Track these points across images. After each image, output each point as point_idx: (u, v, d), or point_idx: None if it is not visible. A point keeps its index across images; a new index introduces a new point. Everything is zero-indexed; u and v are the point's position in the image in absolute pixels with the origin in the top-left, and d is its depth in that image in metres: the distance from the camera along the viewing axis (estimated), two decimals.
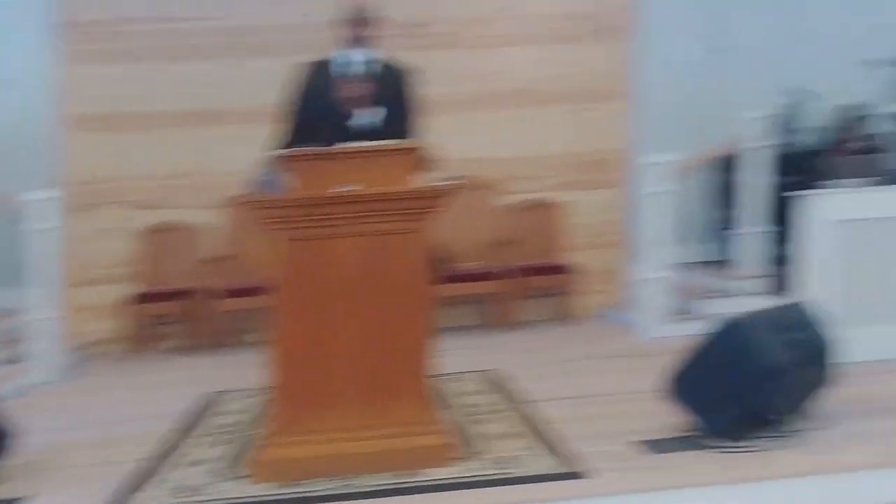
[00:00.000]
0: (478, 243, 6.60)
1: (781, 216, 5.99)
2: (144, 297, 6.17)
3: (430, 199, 3.18)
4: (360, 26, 3.69)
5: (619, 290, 6.78)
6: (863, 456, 3.04)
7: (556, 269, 6.46)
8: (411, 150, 3.29)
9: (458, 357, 5.26)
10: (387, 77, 3.77)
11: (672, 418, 3.42)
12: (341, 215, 3.15)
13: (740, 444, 3.18)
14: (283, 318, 3.18)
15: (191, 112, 6.49)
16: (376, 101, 3.67)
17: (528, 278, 6.31)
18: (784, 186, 6.08)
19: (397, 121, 3.73)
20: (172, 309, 6.19)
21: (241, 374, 5.19)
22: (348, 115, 3.64)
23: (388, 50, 3.92)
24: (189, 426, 4.07)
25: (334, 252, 3.18)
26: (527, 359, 5.23)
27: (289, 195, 3.21)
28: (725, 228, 6.64)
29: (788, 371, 3.24)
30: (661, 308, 5.66)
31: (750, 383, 3.19)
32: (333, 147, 3.35)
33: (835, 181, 4.65)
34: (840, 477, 2.96)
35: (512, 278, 6.25)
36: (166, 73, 6.46)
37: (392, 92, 3.76)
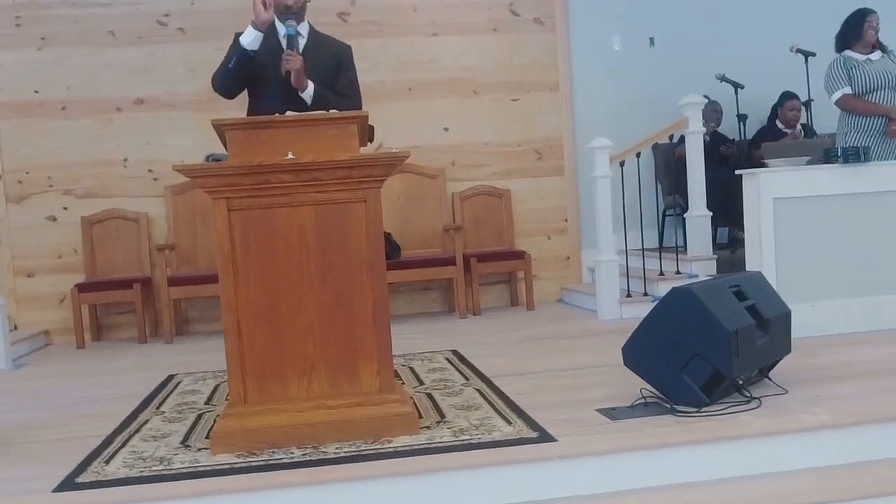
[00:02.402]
0: (428, 230, 6.61)
1: (725, 199, 6.12)
2: (90, 287, 6.03)
3: (372, 168, 3.14)
4: None
5: (572, 275, 6.86)
6: (821, 417, 3.09)
7: (511, 256, 6.48)
8: (353, 119, 3.23)
9: (423, 339, 5.33)
10: (323, 50, 3.78)
11: (634, 387, 3.44)
12: (282, 184, 3.09)
13: (702, 409, 3.21)
14: (235, 290, 3.11)
15: (124, 99, 6.38)
16: (311, 73, 3.69)
17: (482, 264, 6.32)
18: (724, 170, 6.22)
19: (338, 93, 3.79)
20: (120, 298, 6.05)
21: (197, 359, 5.14)
22: (300, 87, 3.64)
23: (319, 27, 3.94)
24: (149, 405, 3.99)
25: (278, 222, 3.12)
26: (488, 339, 5.28)
27: (225, 164, 3.13)
28: (672, 214, 6.75)
29: (745, 336, 3.28)
30: (616, 291, 5.71)
31: (707, 349, 3.22)
32: (273, 116, 3.30)
33: (775, 161, 4.73)
34: (800, 437, 3.01)
35: (467, 264, 6.25)
36: (98, 59, 6.35)
37: (330, 64, 3.76)
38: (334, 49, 3.86)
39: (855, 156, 4.60)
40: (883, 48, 5.25)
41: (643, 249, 5.80)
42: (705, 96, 6.47)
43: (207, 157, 3.45)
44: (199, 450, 3.15)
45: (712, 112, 6.67)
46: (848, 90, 5.14)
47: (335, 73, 3.82)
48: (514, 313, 6.38)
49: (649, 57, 6.93)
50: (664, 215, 6.75)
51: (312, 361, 3.16)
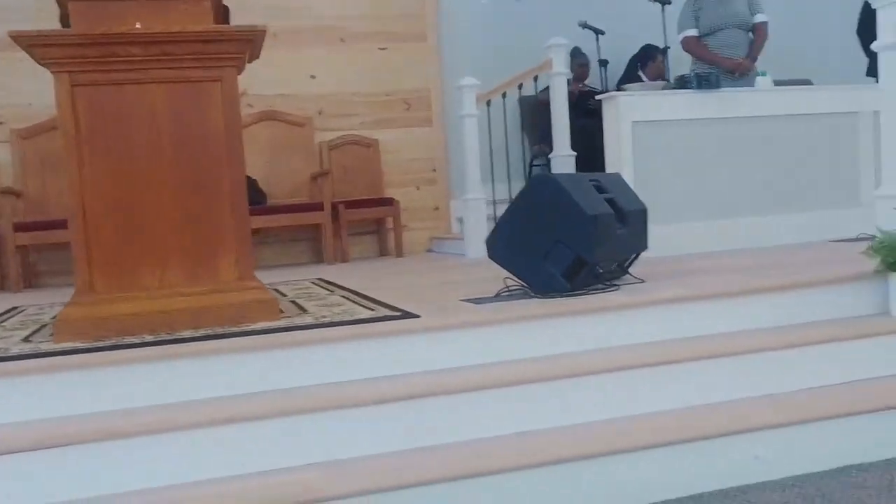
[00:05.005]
0: (296, 180, 6.48)
1: (591, 148, 6.24)
2: None
3: (227, 43, 3.02)
4: None
5: (442, 225, 6.86)
6: (677, 291, 3.18)
7: (379, 203, 6.42)
8: None
9: (290, 278, 5.17)
10: None
11: (502, 283, 3.44)
12: (130, 58, 2.93)
13: (564, 294, 3.23)
14: (79, 171, 2.92)
15: None
16: None
17: (351, 210, 6.24)
18: (589, 120, 6.35)
19: None
20: None
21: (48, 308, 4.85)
22: None
23: None
24: None
25: (128, 100, 2.96)
26: (359, 276, 5.15)
27: (67, 31, 2.95)
28: (539, 164, 6.84)
29: (605, 223, 3.33)
30: (483, 230, 5.72)
31: (568, 234, 3.24)
32: None
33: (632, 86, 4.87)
34: (656, 309, 3.08)
35: (335, 212, 6.15)
36: None
37: None
38: None
39: (707, 82, 4.77)
40: None
41: (511, 200, 5.83)
42: (580, 52, 6.57)
43: None
44: (42, 342, 2.95)
45: (579, 67, 6.78)
46: (693, 32, 5.33)
47: None
48: (384, 261, 6.32)
49: (516, 8, 7.01)
50: (531, 165, 6.83)
51: (167, 249, 3.02)
